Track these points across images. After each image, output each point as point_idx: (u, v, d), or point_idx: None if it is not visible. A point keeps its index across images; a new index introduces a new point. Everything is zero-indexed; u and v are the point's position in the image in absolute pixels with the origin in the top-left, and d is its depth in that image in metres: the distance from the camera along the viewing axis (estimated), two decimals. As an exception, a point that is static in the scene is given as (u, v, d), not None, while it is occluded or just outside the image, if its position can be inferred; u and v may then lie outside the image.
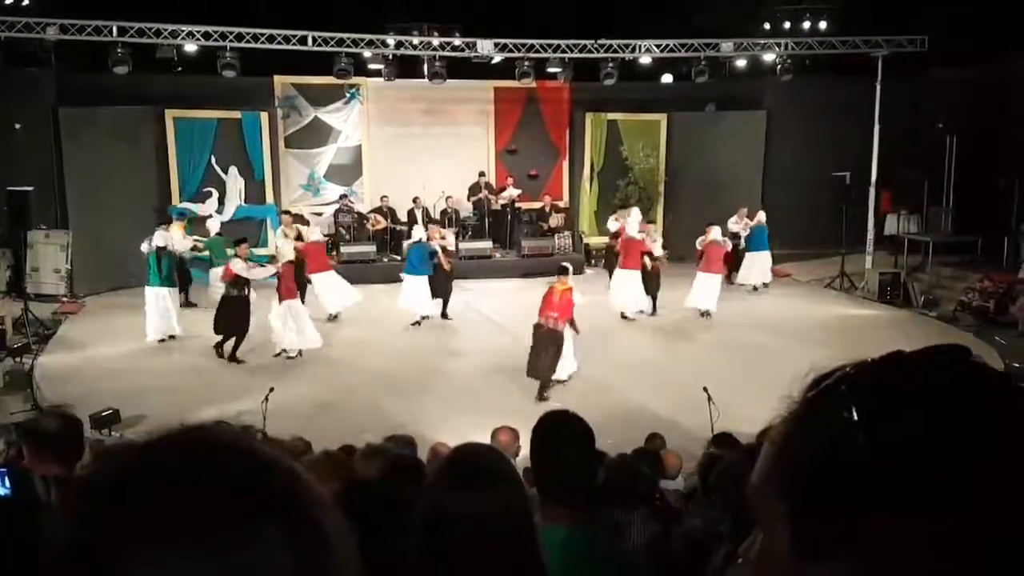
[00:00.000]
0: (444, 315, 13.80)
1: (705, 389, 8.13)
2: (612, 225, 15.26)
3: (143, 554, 0.58)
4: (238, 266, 11.51)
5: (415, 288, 13.33)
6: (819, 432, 0.64)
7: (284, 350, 11.62)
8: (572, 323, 10.45)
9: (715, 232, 14.20)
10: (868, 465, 0.60)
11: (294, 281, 11.84)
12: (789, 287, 16.83)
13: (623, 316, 13.75)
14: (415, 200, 17.61)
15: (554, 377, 10.27)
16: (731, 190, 17.59)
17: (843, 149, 17.18)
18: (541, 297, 10.58)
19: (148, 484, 0.62)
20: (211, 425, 0.70)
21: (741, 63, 18.17)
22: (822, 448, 0.63)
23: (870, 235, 16.88)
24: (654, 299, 14.02)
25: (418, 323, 13.37)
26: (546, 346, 10.19)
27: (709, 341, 12.71)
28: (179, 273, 13.56)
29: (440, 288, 13.66)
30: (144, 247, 12.55)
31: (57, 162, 15.52)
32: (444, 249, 13.79)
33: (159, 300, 12.31)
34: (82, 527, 0.61)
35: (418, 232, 14.02)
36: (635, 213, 14.58)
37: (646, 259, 13.71)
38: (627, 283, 13.72)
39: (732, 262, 15.74)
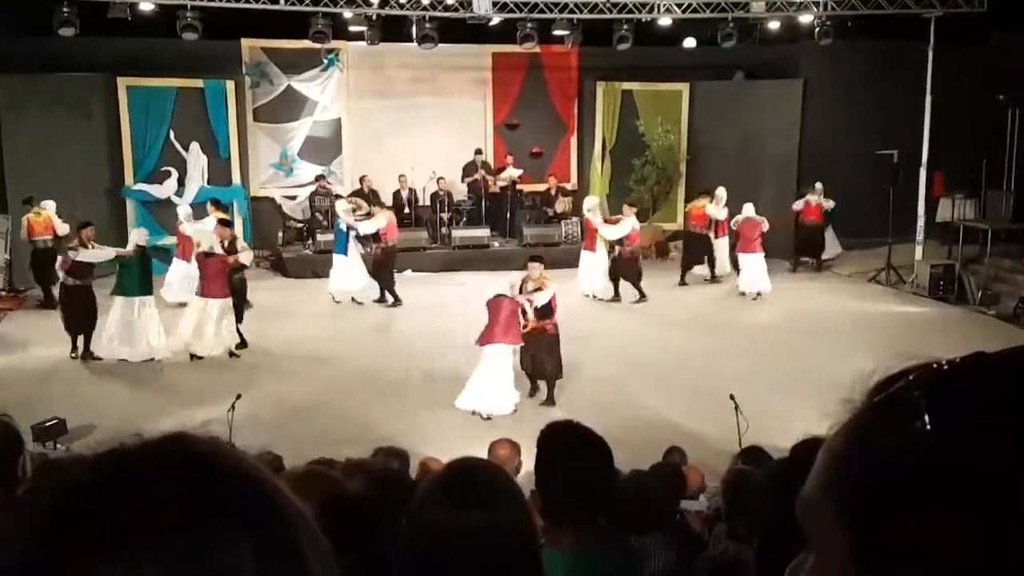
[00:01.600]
0: (379, 299, 14.70)
1: (732, 397, 8.15)
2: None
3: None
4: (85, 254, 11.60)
5: (338, 268, 14.56)
6: (888, 440, 0.64)
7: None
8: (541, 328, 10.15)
9: (748, 208, 15.50)
10: (943, 474, 0.61)
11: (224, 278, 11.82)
12: (829, 280, 16.84)
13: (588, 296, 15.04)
14: (401, 180, 17.63)
15: (494, 413, 9.79)
16: (762, 170, 17.58)
17: (890, 124, 17.15)
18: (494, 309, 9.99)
19: (107, 501, 0.62)
20: (175, 435, 0.70)
21: (774, 25, 18.10)
22: (891, 457, 0.63)
23: (920, 222, 16.83)
24: (617, 284, 14.98)
25: (360, 303, 14.49)
26: (548, 348, 10.23)
27: (733, 340, 12.72)
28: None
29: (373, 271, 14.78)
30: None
31: (-6, 137, 15.50)
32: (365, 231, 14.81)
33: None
34: (33, 551, 0.62)
35: (340, 206, 15.17)
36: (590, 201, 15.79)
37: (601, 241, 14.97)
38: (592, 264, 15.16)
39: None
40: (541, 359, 10.21)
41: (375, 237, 14.82)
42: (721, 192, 16.18)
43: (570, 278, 15.20)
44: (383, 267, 14.73)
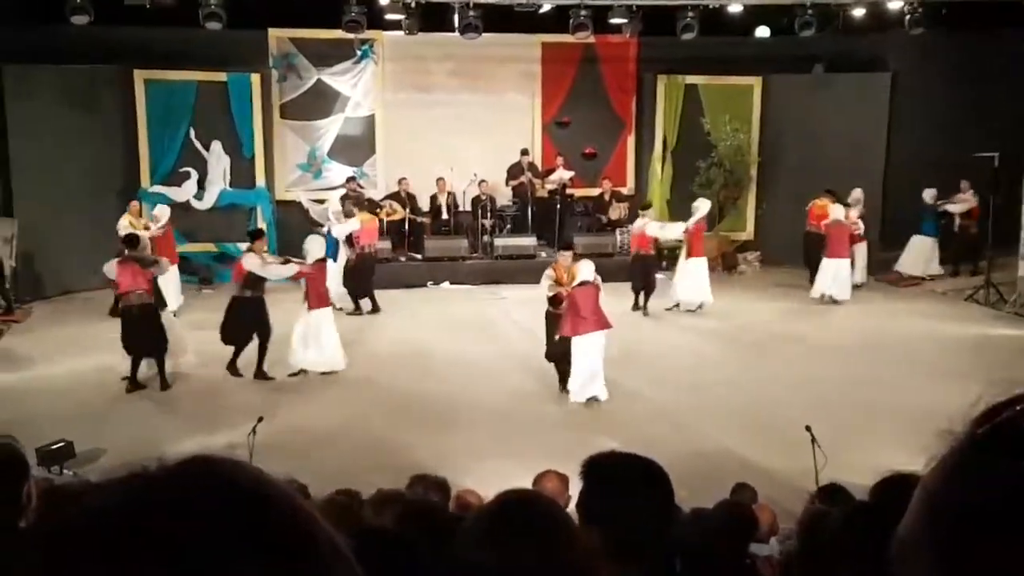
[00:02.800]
0: (354, 310, 15.17)
1: (808, 428, 8.03)
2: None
3: None
4: (251, 262, 11.81)
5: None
6: (993, 478, 0.63)
7: (302, 370, 12.02)
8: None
9: (836, 211, 15.92)
10: None
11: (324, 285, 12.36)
12: (919, 299, 16.58)
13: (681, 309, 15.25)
14: (439, 184, 17.74)
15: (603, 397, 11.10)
16: (843, 173, 17.40)
17: (989, 124, 16.88)
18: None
19: (130, 533, 0.63)
20: (197, 457, 0.71)
21: (858, 13, 17.93)
22: (997, 496, 0.62)
23: (1024, 234, 16.54)
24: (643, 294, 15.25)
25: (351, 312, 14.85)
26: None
27: (808, 361, 12.61)
28: None
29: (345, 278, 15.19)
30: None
31: (0, 133, 15.84)
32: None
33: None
34: None
35: (331, 206, 15.63)
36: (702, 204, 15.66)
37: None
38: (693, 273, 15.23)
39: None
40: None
41: (348, 241, 15.20)
42: (858, 194, 16.69)
43: (629, 294, 15.18)
44: (357, 274, 15.15)
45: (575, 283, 11.06)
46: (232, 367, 11.91)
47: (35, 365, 12.35)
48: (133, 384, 11.30)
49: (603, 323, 10.98)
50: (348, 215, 15.42)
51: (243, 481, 0.69)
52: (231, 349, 11.95)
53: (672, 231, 15.55)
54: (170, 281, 14.24)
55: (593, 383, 11.05)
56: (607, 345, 11.10)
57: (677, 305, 15.34)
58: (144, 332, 11.28)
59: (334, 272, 14.69)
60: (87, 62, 16.03)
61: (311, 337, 11.94)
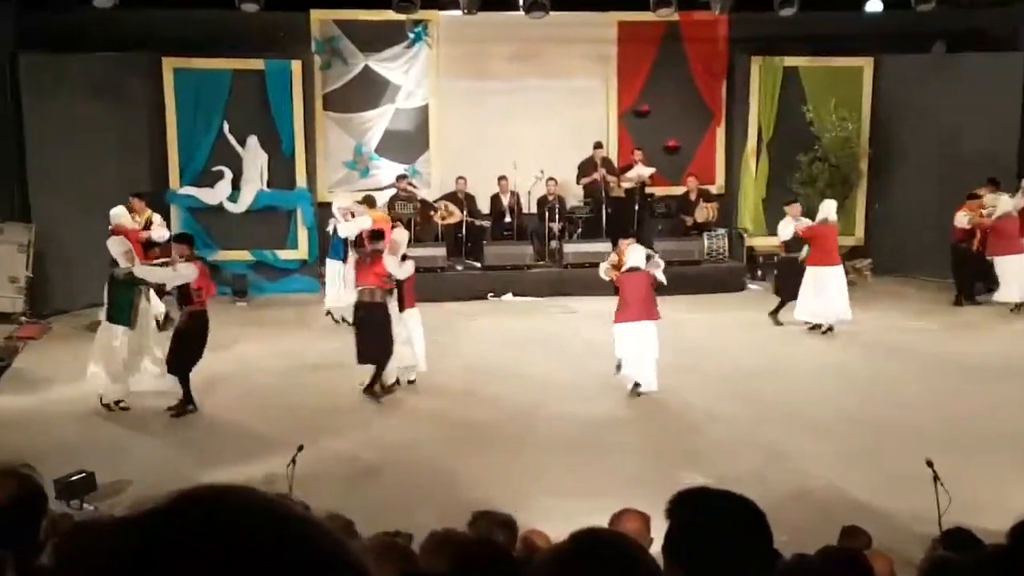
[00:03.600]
0: None
1: (929, 463, 7.89)
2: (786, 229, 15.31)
3: None
4: (390, 263, 12.14)
5: (332, 276, 15.38)
6: None
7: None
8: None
9: (1005, 202, 16.09)
10: None
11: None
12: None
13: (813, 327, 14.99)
14: (501, 183, 17.79)
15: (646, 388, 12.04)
16: (969, 166, 17.15)
17: None
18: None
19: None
20: (232, 489, 0.72)
21: (985, -17, 17.70)
22: None
23: None
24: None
25: (336, 320, 15.08)
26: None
27: (927, 387, 12.43)
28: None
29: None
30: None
31: (16, 128, 16.18)
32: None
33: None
34: None
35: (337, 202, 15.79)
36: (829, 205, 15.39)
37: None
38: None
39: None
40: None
41: (357, 242, 15.09)
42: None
43: (718, 306, 15.06)
44: None
45: (624, 269, 12.03)
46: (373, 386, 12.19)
47: (52, 386, 12.59)
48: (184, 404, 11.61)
49: (649, 313, 11.77)
50: (396, 219, 15.63)
51: (255, 516, 0.70)
52: (268, 367, 12.15)
53: (783, 229, 15.41)
54: None
55: (641, 372, 11.92)
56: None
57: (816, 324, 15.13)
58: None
59: (342, 274, 15.03)
60: (111, 49, 16.29)
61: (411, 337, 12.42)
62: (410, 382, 12.52)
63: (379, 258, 12.11)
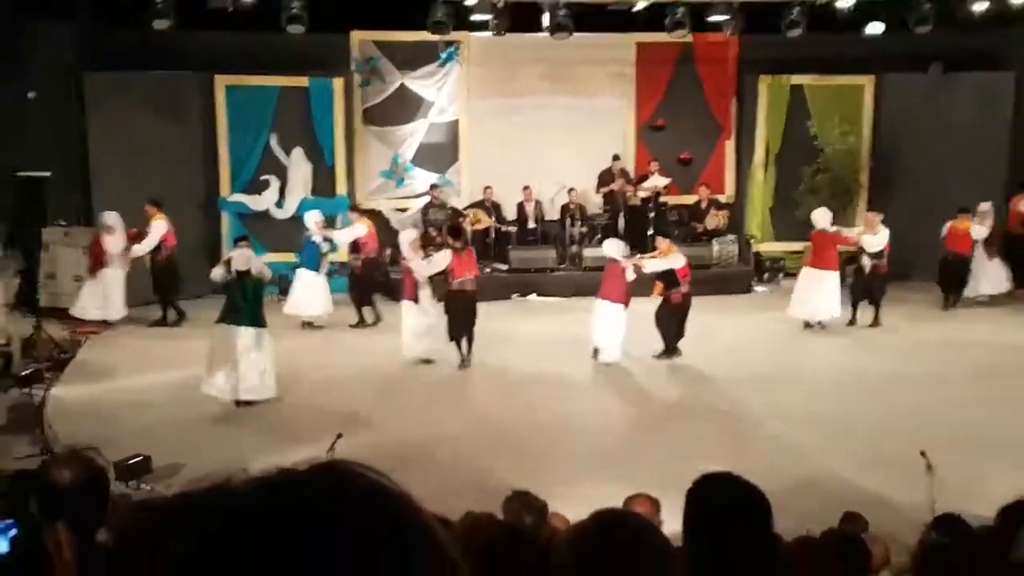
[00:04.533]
0: (357, 322, 15.46)
1: (923, 454, 7.87)
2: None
3: None
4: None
5: (301, 284, 15.18)
6: None
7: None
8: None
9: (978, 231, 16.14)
10: None
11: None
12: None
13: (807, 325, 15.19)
14: (526, 192, 17.82)
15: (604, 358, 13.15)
16: (963, 180, 17.03)
17: None
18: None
19: (271, 533, 0.68)
20: (328, 464, 0.75)
21: (980, 7, 17.52)
22: None
23: None
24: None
25: (310, 325, 15.14)
26: (670, 314, 13.18)
27: (920, 384, 12.39)
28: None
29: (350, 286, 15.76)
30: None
31: (81, 141, 16.41)
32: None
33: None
34: None
35: (310, 220, 15.30)
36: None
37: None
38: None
39: None
40: (664, 322, 13.20)
41: (354, 248, 15.57)
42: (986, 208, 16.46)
43: (731, 307, 15.02)
44: (363, 282, 15.53)
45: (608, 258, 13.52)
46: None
47: (114, 377, 12.70)
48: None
49: (608, 295, 12.94)
50: (429, 225, 15.82)
51: (366, 482, 0.73)
52: (312, 362, 12.26)
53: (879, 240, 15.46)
54: (114, 289, 14.80)
55: (604, 347, 13.14)
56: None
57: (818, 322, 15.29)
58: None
59: (313, 284, 15.08)
60: (168, 67, 16.48)
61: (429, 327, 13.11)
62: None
63: (471, 253, 13.50)
